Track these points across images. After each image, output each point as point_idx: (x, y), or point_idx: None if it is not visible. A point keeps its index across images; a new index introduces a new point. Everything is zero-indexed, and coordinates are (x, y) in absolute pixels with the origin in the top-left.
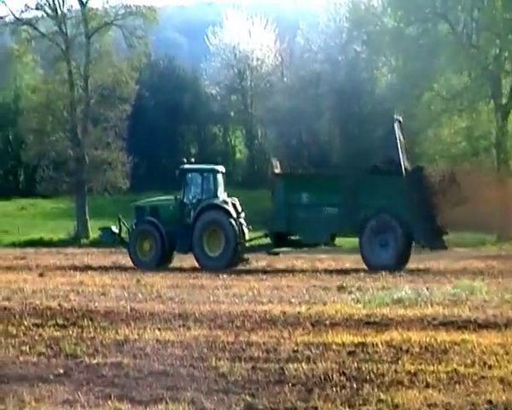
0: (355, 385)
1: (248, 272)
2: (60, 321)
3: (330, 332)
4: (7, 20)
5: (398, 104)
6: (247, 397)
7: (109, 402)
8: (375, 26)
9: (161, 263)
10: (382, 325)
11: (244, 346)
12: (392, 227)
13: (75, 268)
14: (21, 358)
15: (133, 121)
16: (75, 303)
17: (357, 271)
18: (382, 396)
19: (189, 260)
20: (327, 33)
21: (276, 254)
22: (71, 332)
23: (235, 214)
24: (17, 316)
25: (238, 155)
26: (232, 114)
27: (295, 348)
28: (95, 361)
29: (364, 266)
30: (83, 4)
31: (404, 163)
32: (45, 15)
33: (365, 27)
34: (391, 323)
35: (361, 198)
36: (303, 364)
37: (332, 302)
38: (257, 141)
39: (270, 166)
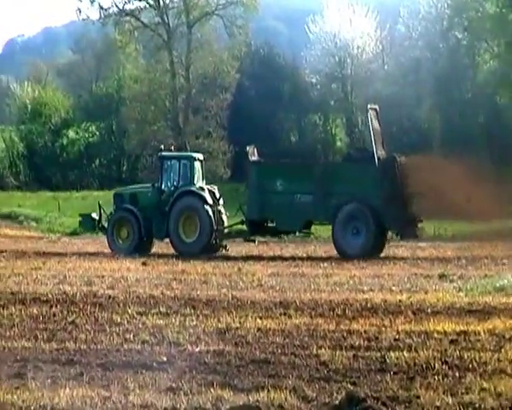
0: (457, 374)
1: (349, 260)
2: (163, 309)
3: (432, 320)
4: (110, 11)
5: (500, 90)
6: (349, 385)
7: (211, 390)
8: (476, 12)
9: (139, 250)
10: (484, 313)
11: (345, 334)
12: (363, 215)
13: (177, 257)
14: (125, 345)
15: (233, 110)
16: (177, 292)
17: (458, 259)
18: (485, 385)
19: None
20: (428, 20)
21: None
22: (173, 320)
23: (211, 201)
24: (121, 304)
25: (338, 144)
26: (332, 102)
27: (396, 337)
28: (197, 349)
29: (466, 254)
30: None
31: (378, 152)
32: (148, 6)
33: (466, 13)
34: (493, 311)
35: (334, 186)
36: (404, 352)
37: (433, 291)
38: (357, 129)
39: (246, 153)
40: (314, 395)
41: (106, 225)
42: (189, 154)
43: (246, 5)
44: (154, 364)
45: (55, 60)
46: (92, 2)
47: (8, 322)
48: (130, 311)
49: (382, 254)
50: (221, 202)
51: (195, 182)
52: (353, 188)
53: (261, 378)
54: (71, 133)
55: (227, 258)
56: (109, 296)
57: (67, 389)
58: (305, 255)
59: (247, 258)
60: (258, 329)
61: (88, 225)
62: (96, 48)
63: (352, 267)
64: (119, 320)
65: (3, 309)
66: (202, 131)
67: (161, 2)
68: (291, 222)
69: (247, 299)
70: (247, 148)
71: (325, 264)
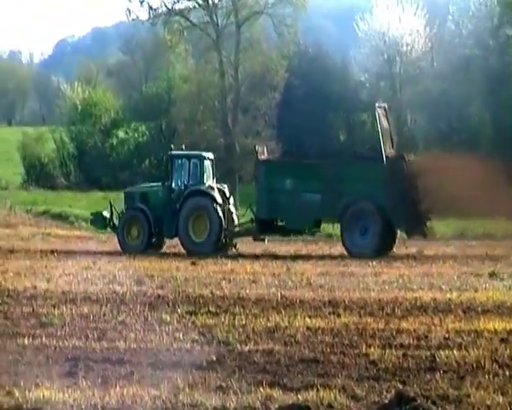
0: (508, 373)
1: (398, 258)
2: (212, 309)
3: (482, 319)
4: (160, 11)
5: None
6: (398, 384)
7: (261, 389)
8: None
9: (149, 248)
10: None
11: (394, 333)
12: (370, 214)
13: (226, 256)
14: (175, 345)
15: (282, 109)
16: (227, 291)
17: (508, 257)
18: None
19: None
20: (478, 17)
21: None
22: (223, 320)
23: (221, 200)
24: (170, 304)
25: None
26: (381, 100)
27: (446, 335)
28: (246, 348)
29: None
30: None
31: (387, 150)
32: (197, 6)
33: None
34: None
35: (342, 185)
36: (454, 351)
37: (483, 289)
38: (406, 127)
39: (255, 152)
40: (363, 394)
41: (117, 223)
42: (198, 153)
43: (294, 4)
44: (204, 363)
45: (104, 60)
46: (142, 3)
47: (60, 321)
48: (179, 310)
49: (431, 253)
50: (231, 200)
51: (205, 181)
52: (361, 187)
53: (310, 377)
54: (121, 133)
55: (276, 257)
56: (159, 296)
57: (118, 387)
58: None
59: (295, 257)
60: (308, 328)
61: (99, 222)
62: (145, 48)
63: (401, 266)
64: (168, 320)
65: (55, 309)
66: (251, 131)
67: (210, 2)
68: (300, 221)
69: (296, 298)
70: (257, 147)
71: (374, 263)
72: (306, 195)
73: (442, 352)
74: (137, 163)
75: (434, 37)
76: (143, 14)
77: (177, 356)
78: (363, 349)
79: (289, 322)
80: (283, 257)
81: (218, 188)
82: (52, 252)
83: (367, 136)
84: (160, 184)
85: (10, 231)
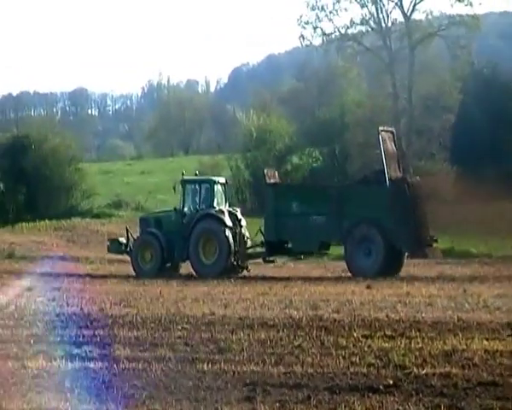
0: None
1: None
2: (388, 332)
3: None
4: (333, 36)
5: None
6: None
7: None
8: None
9: (162, 271)
10: None
11: None
12: (373, 236)
13: (401, 279)
14: (351, 369)
15: (457, 131)
16: (402, 314)
17: None
18: None
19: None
20: None
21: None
22: (399, 343)
23: (231, 224)
24: (346, 328)
25: None
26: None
27: None
28: (423, 372)
29: None
30: (407, 17)
31: (392, 174)
32: (370, 30)
33: None
34: None
35: (347, 208)
36: None
37: None
38: None
39: (263, 176)
40: None
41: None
42: (209, 178)
43: (468, 25)
44: (381, 387)
45: (278, 87)
46: (315, 29)
47: (237, 346)
48: (355, 334)
49: None
50: (243, 223)
51: (216, 205)
52: (365, 209)
53: (489, 401)
54: (295, 159)
55: (452, 279)
56: (334, 320)
57: None
58: None
59: (471, 279)
60: (485, 350)
61: (115, 248)
62: (318, 74)
63: None
64: (344, 343)
65: (232, 334)
66: (425, 154)
67: (383, 26)
68: (306, 243)
69: (472, 320)
70: (265, 170)
71: None
72: (312, 217)
73: None
74: None
75: None
76: (317, 40)
77: (354, 380)
78: None
79: (466, 345)
80: (459, 279)
81: (229, 211)
82: (229, 278)
83: None
84: (172, 209)
85: None
